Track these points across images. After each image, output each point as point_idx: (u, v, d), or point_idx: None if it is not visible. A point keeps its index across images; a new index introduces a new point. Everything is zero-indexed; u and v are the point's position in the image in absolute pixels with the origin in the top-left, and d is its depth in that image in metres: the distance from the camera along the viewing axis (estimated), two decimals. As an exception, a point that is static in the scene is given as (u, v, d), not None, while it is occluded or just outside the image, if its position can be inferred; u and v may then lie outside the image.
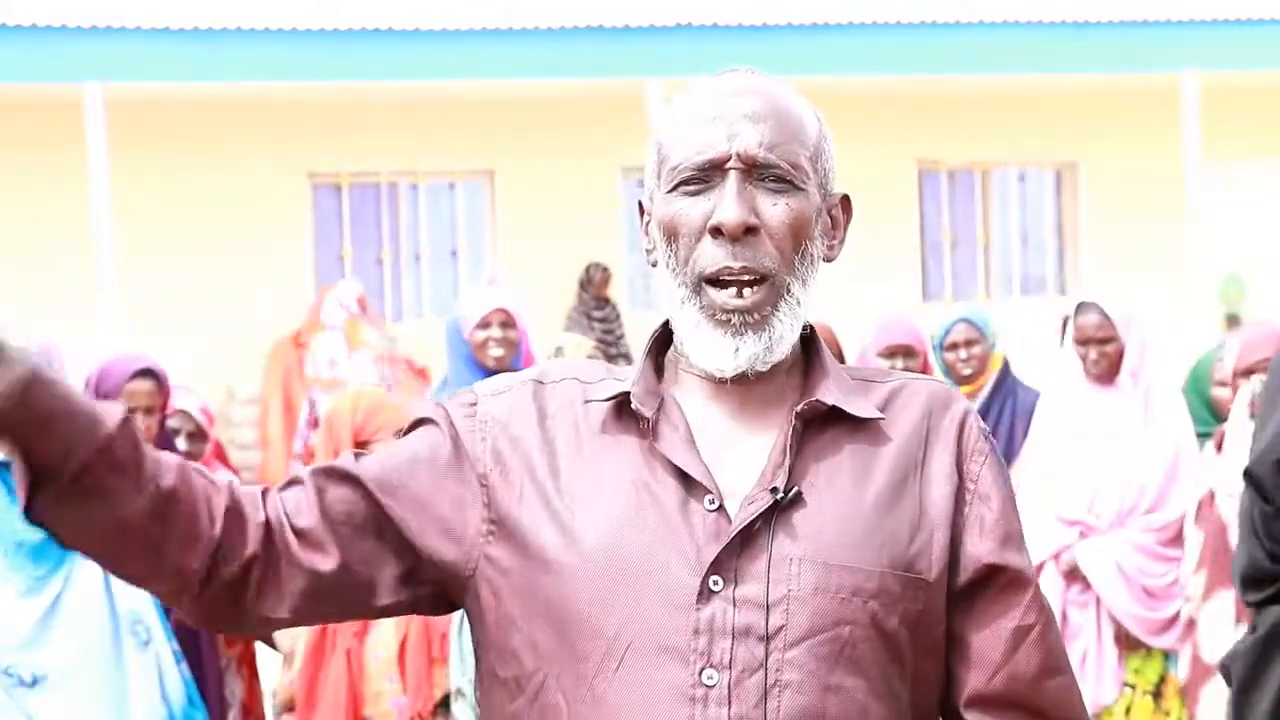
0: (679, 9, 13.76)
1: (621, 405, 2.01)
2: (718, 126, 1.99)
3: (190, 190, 13.82)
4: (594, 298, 15.26)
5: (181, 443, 5.32)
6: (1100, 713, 5.55)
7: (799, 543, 1.93)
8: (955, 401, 2.06)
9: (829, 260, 2.07)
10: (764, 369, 2.00)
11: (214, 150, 13.98)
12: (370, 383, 10.56)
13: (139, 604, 4.37)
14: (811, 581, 1.91)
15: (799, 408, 1.98)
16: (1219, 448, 5.15)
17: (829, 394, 2.01)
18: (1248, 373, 5.13)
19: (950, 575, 1.99)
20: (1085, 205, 16.83)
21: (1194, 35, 14.71)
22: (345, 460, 2.05)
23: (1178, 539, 5.49)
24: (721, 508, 1.94)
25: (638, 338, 14.44)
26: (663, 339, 2.09)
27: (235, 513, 1.96)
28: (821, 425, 2.00)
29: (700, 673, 1.89)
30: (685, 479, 1.96)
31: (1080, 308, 5.69)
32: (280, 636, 5.00)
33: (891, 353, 6.02)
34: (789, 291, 1.99)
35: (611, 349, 14.31)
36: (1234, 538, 4.43)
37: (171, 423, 5.28)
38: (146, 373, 4.93)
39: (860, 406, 2.01)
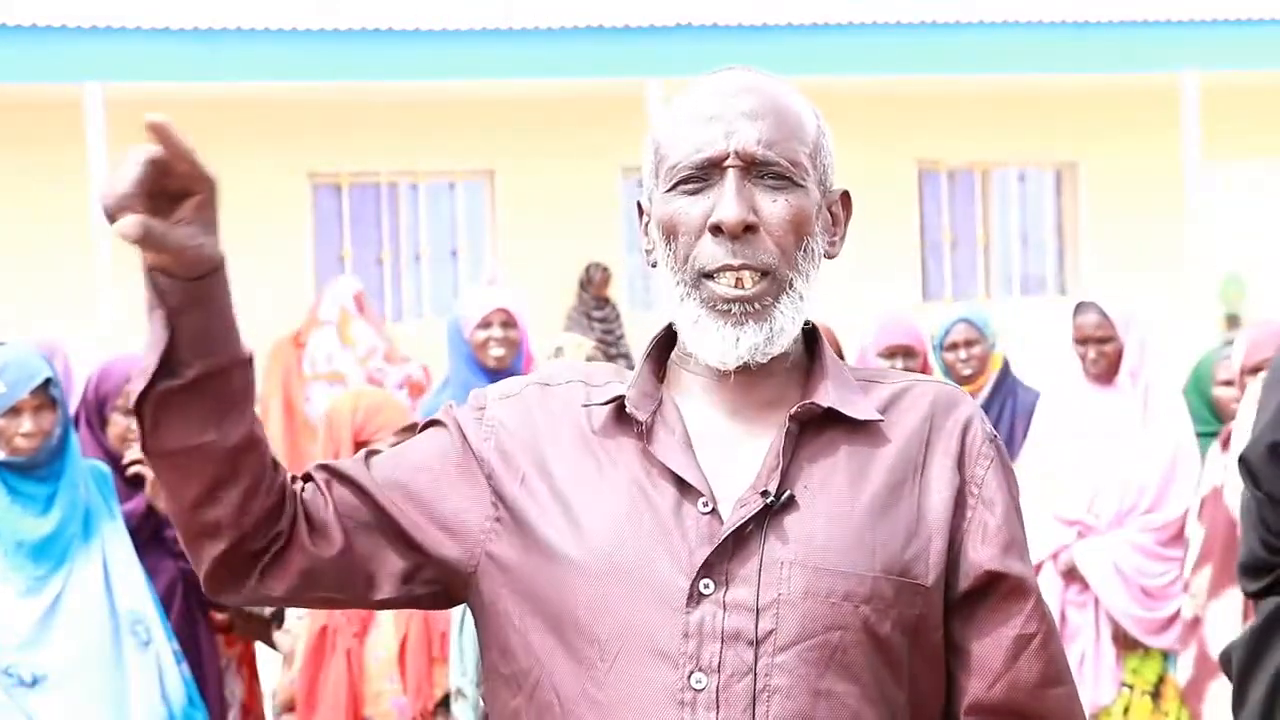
0: (679, 9, 13.76)
1: (621, 408, 2.02)
2: (716, 125, 1.98)
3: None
4: (594, 298, 15.27)
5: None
6: (1098, 713, 5.55)
7: (790, 546, 1.92)
8: (960, 404, 2.04)
9: (830, 257, 2.06)
10: (764, 360, 1.99)
11: (214, 150, 13.75)
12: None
13: (139, 604, 4.37)
14: (802, 586, 1.90)
15: (793, 410, 1.98)
16: (1225, 446, 5.14)
17: (826, 396, 1.99)
18: (1255, 370, 5.12)
19: (951, 581, 1.97)
20: (1085, 205, 16.84)
21: (1194, 35, 14.72)
22: (355, 459, 2.08)
23: (1176, 539, 5.49)
24: (715, 511, 1.94)
25: (638, 338, 14.46)
26: (664, 342, 2.09)
27: (284, 491, 2.00)
28: (819, 427, 1.99)
29: (689, 676, 1.88)
30: (680, 482, 1.95)
31: (1079, 307, 5.69)
32: (280, 636, 5.00)
33: (891, 353, 6.01)
34: (791, 286, 1.99)
35: (611, 349, 14.32)
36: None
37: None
38: (146, 373, 4.93)
39: (859, 408, 2.00)
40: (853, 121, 13.08)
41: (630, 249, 15.32)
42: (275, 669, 5.12)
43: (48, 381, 4.31)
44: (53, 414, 4.33)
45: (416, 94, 14.30)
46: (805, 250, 2.00)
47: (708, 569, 1.91)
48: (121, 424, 4.86)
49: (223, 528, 1.96)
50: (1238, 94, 15.72)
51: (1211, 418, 5.74)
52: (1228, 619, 4.97)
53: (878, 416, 2.00)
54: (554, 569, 1.95)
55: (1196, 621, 5.21)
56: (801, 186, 1.99)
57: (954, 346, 6.09)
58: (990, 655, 1.97)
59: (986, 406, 5.99)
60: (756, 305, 1.97)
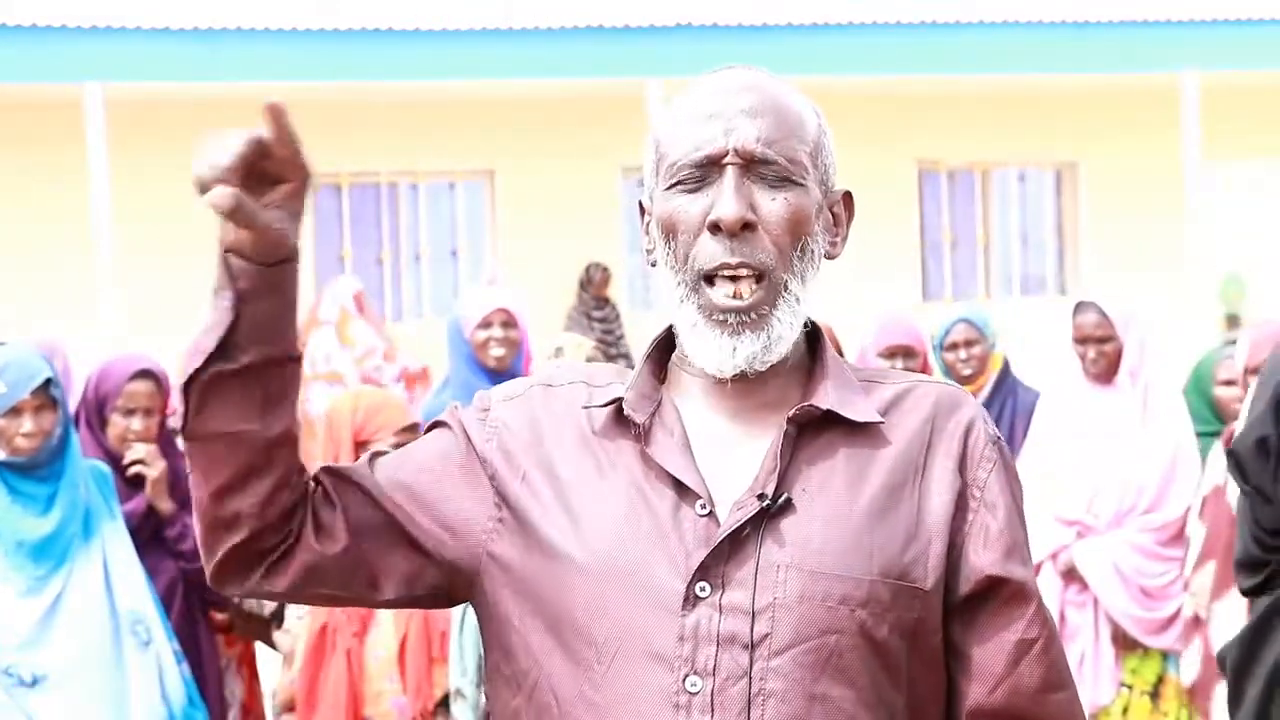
0: (679, 9, 13.77)
1: (620, 409, 2.01)
2: (715, 123, 1.97)
3: (190, 190, 13.78)
4: (594, 298, 15.27)
5: (181, 443, 5.31)
6: (1097, 713, 5.55)
7: (786, 549, 1.91)
8: (963, 405, 2.02)
9: (831, 257, 2.05)
10: (762, 368, 1.98)
11: (214, 150, 13.96)
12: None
13: (139, 604, 4.37)
14: (797, 589, 1.89)
15: (791, 412, 1.96)
16: (1228, 444, 5.15)
17: (826, 398, 1.98)
18: (1257, 370, 5.13)
19: (951, 585, 1.95)
20: (1085, 205, 16.84)
21: (1194, 35, 14.73)
22: (360, 461, 2.08)
23: (1176, 539, 5.49)
24: (712, 513, 1.93)
25: (638, 338, 14.46)
26: (665, 343, 2.08)
27: (305, 491, 2.01)
28: (818, 429, 1.98)
29: (684, 679, 1.88)
30: (678, 484, 1.95)
31: (1079, 307, 5.69)
32: (280, 636, 5.00)
33: (891, 353, 6.01)
34: (787, 289, 1.97)
35: (611, 349, 14.32)
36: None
37: (172, 423, 5.28)
38: (146, 373, 4.93)
39: (859, 410, 1.98)
40: (853, 121, 13.06)
41: (630, 249, 15.32)
42: (275, 669, 5.12)
43: (48, 381, 4.32)
44: (53, 414, 4.33)
45: (416, 94, 14.30)
46: (802, 250, 1.98)
47: (704, 572, 1.90)
48: (121, 424, 4.86)
49: (243, 518, 1.97)
50: (1238, 94, 15.72)
51: (1212, 418, 5.74)
52: (1233, 618, 4.96)
53: (877, 418, 1.99)
54: (554, 569, 1.95)
55: (1197, 620, 5.21)
56: (801, 185, 1.98)
57: (954, 346, 6.09)
58: (991, 660, 1.96)
59: (986, 406, 5.99)
60: (754, 315, 1.96)
